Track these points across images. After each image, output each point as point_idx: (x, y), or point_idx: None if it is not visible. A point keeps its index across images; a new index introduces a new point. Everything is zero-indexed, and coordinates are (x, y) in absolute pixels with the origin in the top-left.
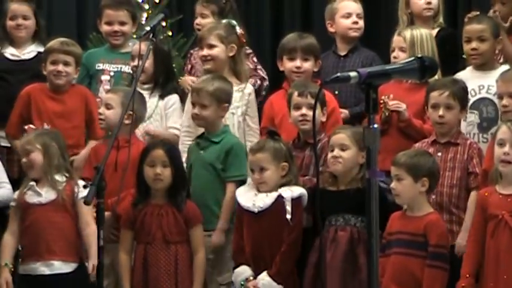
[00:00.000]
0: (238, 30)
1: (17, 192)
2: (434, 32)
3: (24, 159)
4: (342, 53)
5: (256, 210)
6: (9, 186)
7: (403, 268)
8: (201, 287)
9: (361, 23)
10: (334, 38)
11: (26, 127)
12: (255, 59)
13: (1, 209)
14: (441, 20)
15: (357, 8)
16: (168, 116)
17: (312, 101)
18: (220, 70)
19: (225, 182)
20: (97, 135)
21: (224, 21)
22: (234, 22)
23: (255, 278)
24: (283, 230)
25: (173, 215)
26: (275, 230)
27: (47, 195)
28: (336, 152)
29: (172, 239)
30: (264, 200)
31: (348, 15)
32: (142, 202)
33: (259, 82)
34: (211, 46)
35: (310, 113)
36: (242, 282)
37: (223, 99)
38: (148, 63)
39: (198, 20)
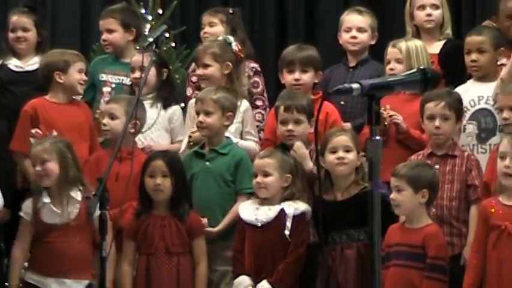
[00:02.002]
0: (234, 46)
1: (29, 206)
2: (441, 43)
3: (38, 168)
4: (351, 65)
5: (259, 224)
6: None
7: (402, 280)
8: None
9: (362, 37)
10: (345, 50)
11: (33, 131)
12: (263, 80)
13: None
14: (448, 31)
15: (359, 22)
16: (176, 131)
17: (299, 116)
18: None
19: (236, 194)
20: (97, 149)
21: (220, 38)
22: (230, 39)
23: (254, 287)
24: (286, 243)
25: (175, 225)
26: (278, 243)
27: (64, 215)
28: (342, 153)
29: (174, 250)
30: (267, 214)
31: (349, 30)
32: (145, 213)
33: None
34: (205, 66)
35: (297, 128)
36: None
37: (227, 107)
38: (150, 75)
39: (207, 29)
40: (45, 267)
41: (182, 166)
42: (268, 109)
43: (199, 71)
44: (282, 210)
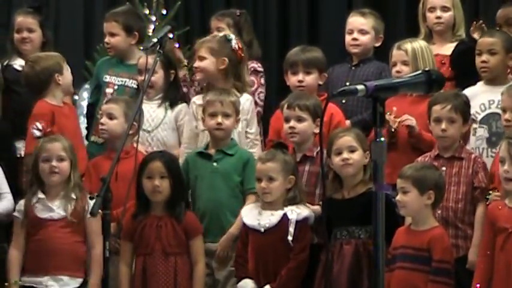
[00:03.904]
0: (234, 44)
1: (22, 204)
2: (453, 45)
3: (54, 163)
4: (354, 63)
5: (262, 229)
6: (10, 197)
7: (408, 283)
8: None
9: (364, 39)
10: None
11: (38, 124)
12: (262, 81)
13: None
14: (461, 32)
15: (360, 24)
16: (182, 129)
17: (301, 114)
18: (209, 81)
19: (244, 193)
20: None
21: (221, 34)
22: (231, 36)
23: None
24: (289, 248)
25: (172, 226)
26: (280, 248)
27: (59, 210)
28: (346, 154)
29: (171, 250)
30: (270, 219)
31: (350, 32)
32: (143, 214)
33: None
34: (201, 58)
35: (298, 125)
36: None
37: (238, 111)
38: (158, 77)
39: (215, 34)
40: (40, 264)
41: (179, 166)
42: (260, 108)
43: (195, 63)
44: (285, 215)
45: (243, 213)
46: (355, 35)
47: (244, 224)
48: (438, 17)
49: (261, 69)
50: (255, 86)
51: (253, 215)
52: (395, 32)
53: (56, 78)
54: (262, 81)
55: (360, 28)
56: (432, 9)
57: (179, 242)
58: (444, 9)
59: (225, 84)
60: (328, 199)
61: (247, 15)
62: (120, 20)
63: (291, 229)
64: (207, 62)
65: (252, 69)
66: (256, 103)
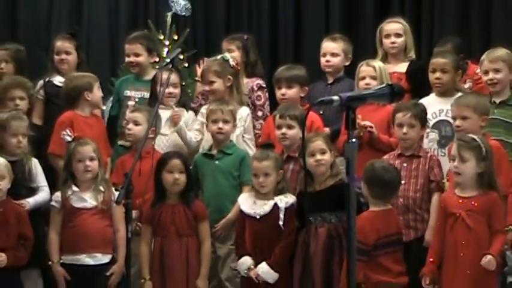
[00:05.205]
0: (231, 62)
1: (58, 195)
2: (406, 64)
3: (88, 163)
4: (329, 82)
5: (257, 216)
6: (47, 189)
7: None
8: (208, 271)
9: (335, 60)
10: None
11: (67, 130)
12: (267, 95)
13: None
14: (411, 54)
15: (332, 48)
16: (189, 129)
17: (291, 122)
18: (221, 98)
19: (241, 185)
20: (109, 155)
21: (219, 57)
22: (227, 56)
23: (255, 266)
24: (279, 231)
25: (184, 212)
26: (273, 231)
27: (91, 201)
28: (319, 156)
29: (183, 232)
30: (264, 208)
31: (324, 55)
32: (160, 202)
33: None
34: (211, 82)
35: (289, 132)
36: (245, 271)
37: (235, 118)
38: (179, 90)
39: (214, 58)
40: (77, 245)
41: (190, 163)
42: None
43: (206, 87)
44: (276, 204)
45: (240, 201)
46: (328, 57)
47: (241, 211)
48: (393, 42)
49: (264, 85)
50: (263, 100)
51: (249, 204)
52: (363, 52)
53: (85, 95)
54: (267, 95)
55: (332, 52)
56: (387, 35)
57: (190, 225)
58: (397, 35)
59: (230, 97)
60: (303, 192)
61: (253, 39)
62: (144, 43)
63: (281, 215)
64: (217, 84)
65: (259, 85)
66: (265, 116)
